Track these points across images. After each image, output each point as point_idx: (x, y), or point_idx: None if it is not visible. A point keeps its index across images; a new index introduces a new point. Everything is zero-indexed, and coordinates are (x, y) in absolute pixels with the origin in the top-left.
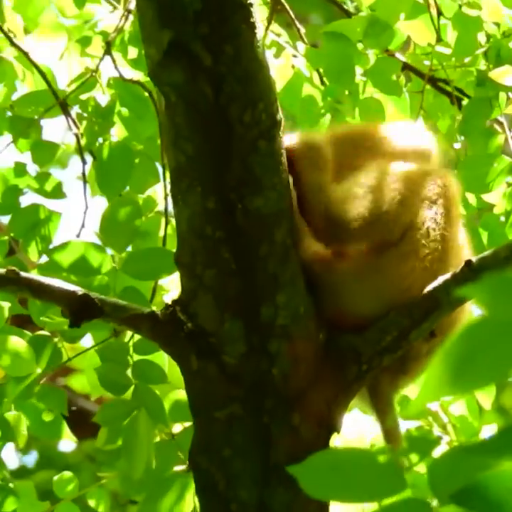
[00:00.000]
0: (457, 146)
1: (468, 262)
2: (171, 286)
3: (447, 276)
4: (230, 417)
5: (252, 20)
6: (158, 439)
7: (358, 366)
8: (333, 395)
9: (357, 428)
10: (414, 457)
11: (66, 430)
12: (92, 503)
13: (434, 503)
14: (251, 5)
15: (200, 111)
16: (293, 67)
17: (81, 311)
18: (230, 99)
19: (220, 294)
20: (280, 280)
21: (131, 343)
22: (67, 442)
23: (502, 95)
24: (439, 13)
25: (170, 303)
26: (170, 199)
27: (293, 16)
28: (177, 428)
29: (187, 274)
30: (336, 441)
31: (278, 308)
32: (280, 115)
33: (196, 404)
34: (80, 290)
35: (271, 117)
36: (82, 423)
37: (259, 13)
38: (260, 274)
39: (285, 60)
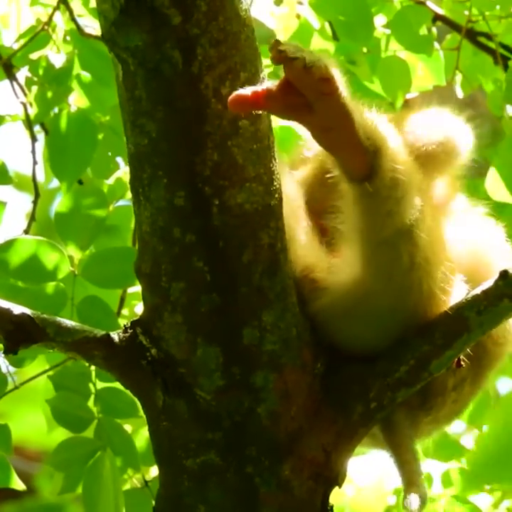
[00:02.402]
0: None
1: (504, 274)
2: None
3: (476, 291)
4: (204, 466)
5: None
6: (128, 486)
7: (364, 403)
8: (332, 440)
9: (373, 474)
10: None
11: (15, 477)
12: None
13: None
14: None
15: (166, 81)
16: (298, 17)
17: (18, 334)
18: (204, 67)
19: (192, 313)
20: (267, 295)
21: (93, 367)
22: None
23: None
24: None
25: (129, 324)
26: None
27: None
28: (152, 472)
29: (150, 287)
30: (348, 489)
31: (264, 330)
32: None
33: (162, 451)
34: (16, 308)
35: None
36: None
37: None
38: (242, 287)
39: (289, 9)
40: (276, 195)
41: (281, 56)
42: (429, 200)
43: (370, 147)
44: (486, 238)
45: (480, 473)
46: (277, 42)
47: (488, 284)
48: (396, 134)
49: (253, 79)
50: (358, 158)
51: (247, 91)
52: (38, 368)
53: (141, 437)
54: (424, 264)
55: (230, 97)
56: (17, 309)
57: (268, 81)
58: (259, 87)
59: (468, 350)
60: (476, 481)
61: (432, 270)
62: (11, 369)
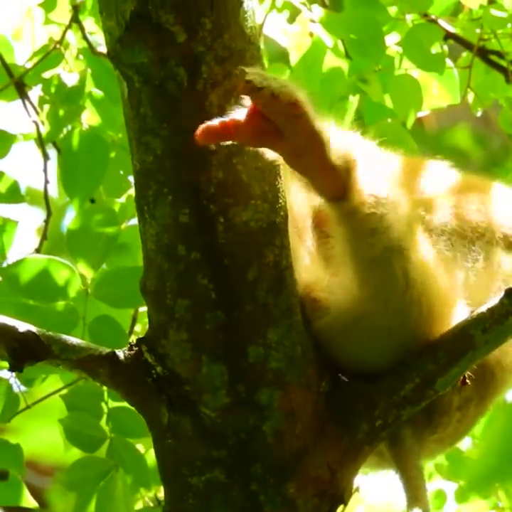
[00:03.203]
0: None
1: (510, 292)
2: None
3: (482, 309)
4: (209, 484)
5: None
6: (140, 505)
7: (369, 421)
8: (338, 458)
9: (383, 494)
10: None
11: (26, 494)
12: None
13: None
14: None
15: (171, 99)
16: (311, 35)
17: (23, 351)
18: (208, 85)
19: (197, 331)
20: (272, 312)
21: (105, 387)
22: None
23: None
24: None
25: (134, 341)
26: None
27: None
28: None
29: (155, 304)
30: (359, 508)
31: (269, 348)
32: None
33: (167, 469)
34: (22, 325)
35: None
36: None
37: None
38: (247, 304)
39: (301, 27)
40: (282, 213)
41: (247, 86)
42: (419, 218)
43: (342, 166)
44: None
45: (479, 479)
46: (242, 72)
47: (493, 301)
48: (372, 153)
49: None
50: (331, 178)
51: (215, 122)
52: (51, 386)
53: (153, 457)
54: (420, 281)
55: (199, 130)
56: (22, 327)
57: (236, 110)
58: (226, 118)
59: (475, 374)
60: (476, 486)
61: (430, 288)
62: (23, 388)
